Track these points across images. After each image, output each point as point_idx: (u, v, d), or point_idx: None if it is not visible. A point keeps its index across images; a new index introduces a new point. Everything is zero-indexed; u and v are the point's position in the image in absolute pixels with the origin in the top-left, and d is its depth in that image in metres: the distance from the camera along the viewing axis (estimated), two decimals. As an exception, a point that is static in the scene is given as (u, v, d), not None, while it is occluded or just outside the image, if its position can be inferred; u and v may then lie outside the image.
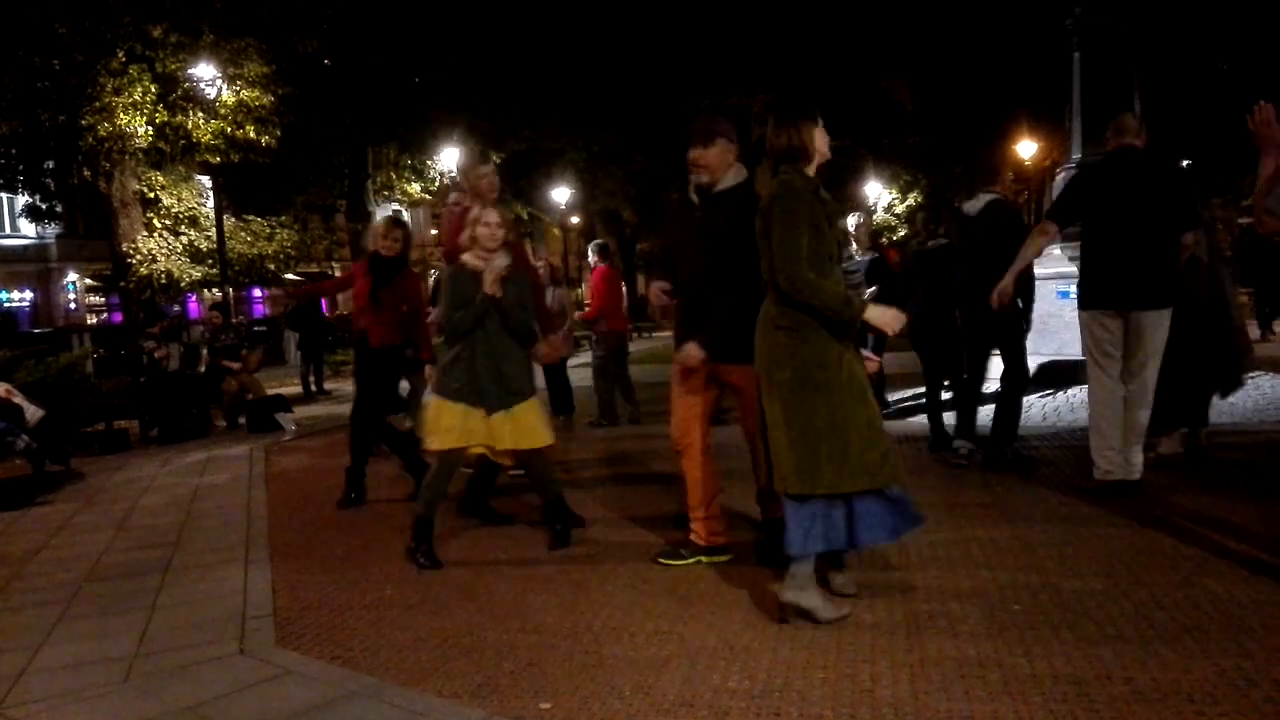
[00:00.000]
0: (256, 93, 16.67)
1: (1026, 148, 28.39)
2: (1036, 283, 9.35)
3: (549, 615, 3.81)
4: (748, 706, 2.89)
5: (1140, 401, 5.13)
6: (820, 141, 3.73)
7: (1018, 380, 6.13)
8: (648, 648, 3.40)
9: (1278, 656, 2.98)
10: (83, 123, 15.33)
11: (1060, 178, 10.71)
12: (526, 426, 4.69)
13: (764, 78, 27.84)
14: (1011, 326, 6.05)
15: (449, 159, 22.77)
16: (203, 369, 11.42)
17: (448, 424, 4.62)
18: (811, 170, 3.71)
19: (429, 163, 23.33)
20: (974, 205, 6.21)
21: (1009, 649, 3.17)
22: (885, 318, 3.59)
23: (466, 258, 4.69)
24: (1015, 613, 3.50)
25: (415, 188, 24.01)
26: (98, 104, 15.22)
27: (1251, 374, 8.74)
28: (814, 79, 25.80)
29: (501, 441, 4.66)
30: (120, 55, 15.31)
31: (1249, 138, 3.72)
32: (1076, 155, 10.26)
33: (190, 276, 18.27)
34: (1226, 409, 7.41)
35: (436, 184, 23.68)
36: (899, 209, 33.26)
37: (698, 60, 26.30)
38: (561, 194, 29.74)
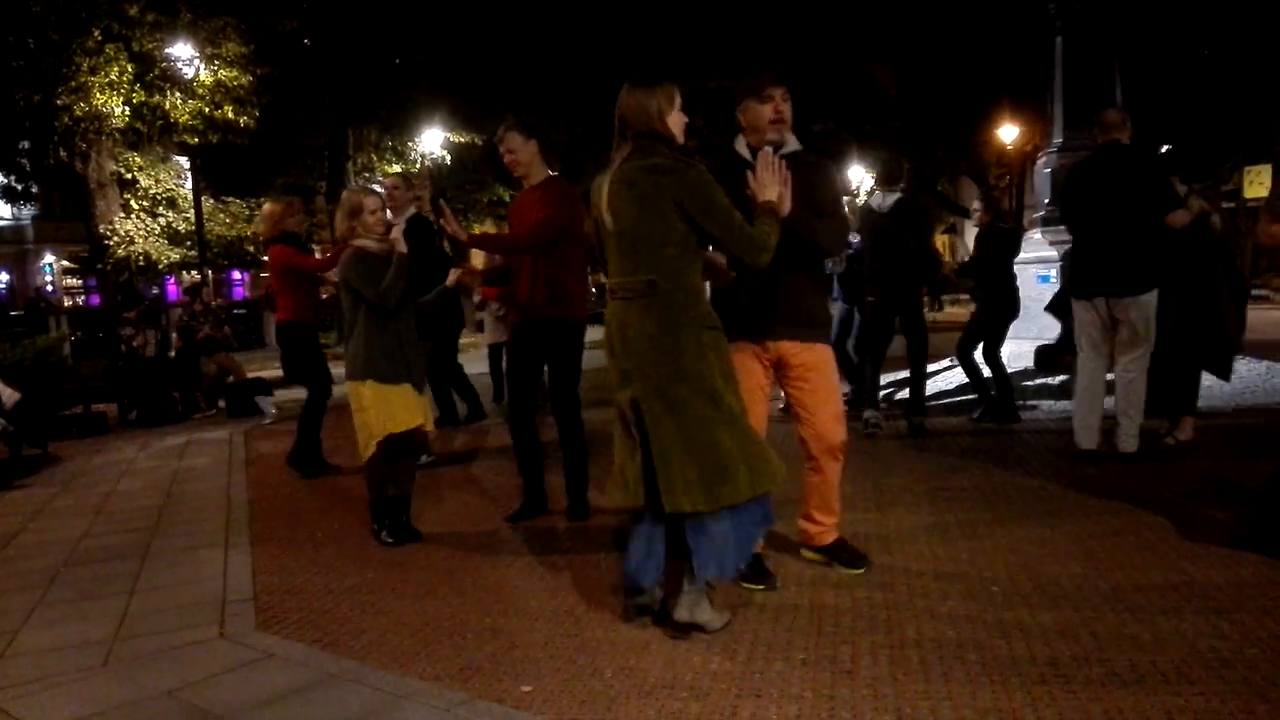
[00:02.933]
0: (235, 73, 16.49)
1: (1009, 132, 28.44)
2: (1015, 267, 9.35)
3: (531, 599, 3.82)
4: (729, 688, 2.90)
5: (1131, 379, 5.44)
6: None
7: (921, 355, 6.93)
8: (629, 630, 3.41)
9: (1252, 638, 3.02)
10: (58, 102, 15.13)
11: (1041, 162, 10.74)
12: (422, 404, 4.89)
13: (748, 61, 27.76)
14: (915, 307, 6.97)
15: (430, 140, 22.62)
16: (172, 354, 11.32)
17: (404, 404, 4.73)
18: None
19: (410, 144, 23.16)
20: (884, 202, 6.85)
21: (987, 631, 3.20)
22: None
23: (365, 242, 4.73)
24: (994, 595, 3.53)
25: (395, 169, 23.81)
26: (73, 83, 15.02)
27: (1236, 358, 8.85)
28: (798, 62, 25.76)
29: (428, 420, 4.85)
30: (96, 34, 15.10)
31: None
32: (1058, 140, 10.26)
33: (168, 258, 18.13)
34: (1204, 394, 7.49)
35: (418, 165, 23.52)
36: (882, 193, 33.31)
37: (681, 42, 26.18)
38: (545, 176, 29.37)
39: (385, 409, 4.67)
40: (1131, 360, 5.44)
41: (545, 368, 5.00)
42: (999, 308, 7.20)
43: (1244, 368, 8.45)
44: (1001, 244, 7.24)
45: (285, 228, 6.74)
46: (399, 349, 4.74)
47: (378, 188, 6.92)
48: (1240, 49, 21.98)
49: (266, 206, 6.93)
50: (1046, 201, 10.08)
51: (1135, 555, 3.88)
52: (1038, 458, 5.77)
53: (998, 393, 7.12)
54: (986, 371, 7.18)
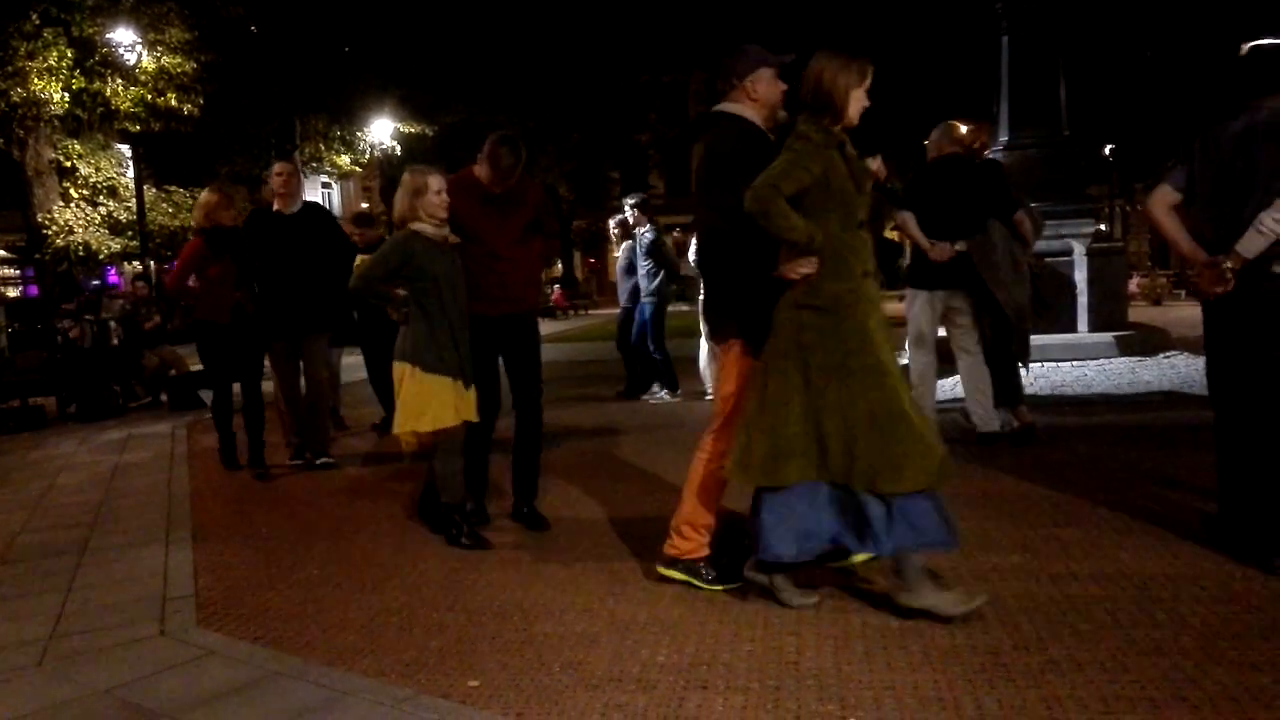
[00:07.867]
0: (178, 59, 16.19)
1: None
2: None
3: (478, 594, 3.80)
4: (675, 680, 2.91)
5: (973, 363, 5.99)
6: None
7: None
8: (577, 624, 3.41)
9: (1186, 626, 3.09)
10: (-6, 88, 14.77)
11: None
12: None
13: (701, 55, 27.85)
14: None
15: (380, 130, 22.40)
16: (115, 342, 11.09)
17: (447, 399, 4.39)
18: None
19: (359, 134, 22.91)
20: None
21: (930, 621, 3.23)
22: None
23: (423, 227, 4.41)
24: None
25: (344, 160, 23.56)
26: (10, 68, 14.66)
27: (1168, 353, 9.09)
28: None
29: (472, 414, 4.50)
30: (34, 18, 14.74)
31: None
32: (1004, 139, 10.43)
33: (109, 249, 17.74)
34: (1143, 385, 7.68)
35: (367, 156, 23.27)
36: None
37: (634, 37, 26.22)
38: (496, 168, 29.10)
39: (412, 402, 4.36)
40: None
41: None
42: None
43: (1181, 362, 8.68)
44: None
45: (218, 220, 6.44)
46: (444, 339, 4.39)
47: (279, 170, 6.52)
48: (1180, 51, 22.49)
49: (203, 195, 6.75)
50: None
51: (1073, 546, 3.96)
52: (976, 452, 5.85)
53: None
54: None
